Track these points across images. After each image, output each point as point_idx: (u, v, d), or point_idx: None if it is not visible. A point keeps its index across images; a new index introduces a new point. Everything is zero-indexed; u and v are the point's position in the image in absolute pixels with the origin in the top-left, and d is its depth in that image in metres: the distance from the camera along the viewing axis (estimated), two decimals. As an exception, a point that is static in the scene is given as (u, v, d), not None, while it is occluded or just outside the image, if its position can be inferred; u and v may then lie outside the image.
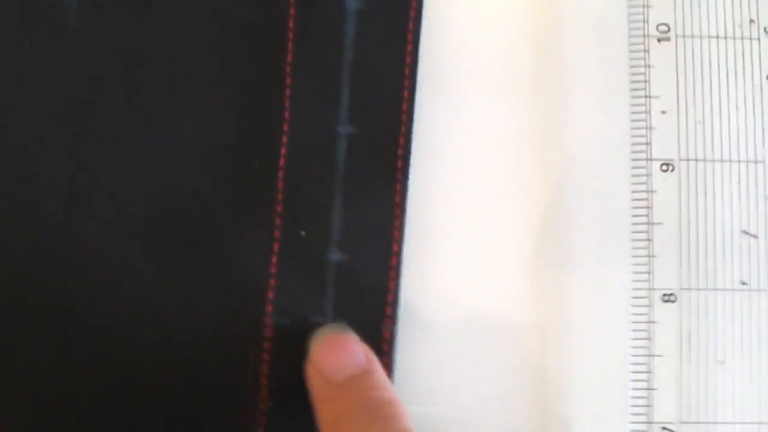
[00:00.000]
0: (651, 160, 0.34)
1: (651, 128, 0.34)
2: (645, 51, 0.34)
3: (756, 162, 0.34)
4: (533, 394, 0.33)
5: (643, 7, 0.34)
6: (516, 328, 0.33)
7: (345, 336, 0.31)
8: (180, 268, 0.32)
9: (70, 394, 0.32)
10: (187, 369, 0.32)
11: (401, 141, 0.33)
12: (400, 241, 0.33)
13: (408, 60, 0.33)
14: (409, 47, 0.33)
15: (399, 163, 0.33)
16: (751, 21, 0.34)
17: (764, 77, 0.34)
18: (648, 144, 0.34)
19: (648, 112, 0.34)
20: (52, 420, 0.32)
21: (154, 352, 0.32)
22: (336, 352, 0.30)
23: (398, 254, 0.33)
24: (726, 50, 0.34)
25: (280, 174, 0.33)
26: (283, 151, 0.33)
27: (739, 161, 0.34)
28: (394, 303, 0.33)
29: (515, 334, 0.33)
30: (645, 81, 0.34)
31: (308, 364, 0.31)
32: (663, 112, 0.34)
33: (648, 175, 0.34)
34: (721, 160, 0.34)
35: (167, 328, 0.32)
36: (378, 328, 0.33)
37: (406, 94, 0.33)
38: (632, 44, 0.34)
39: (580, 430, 0.33)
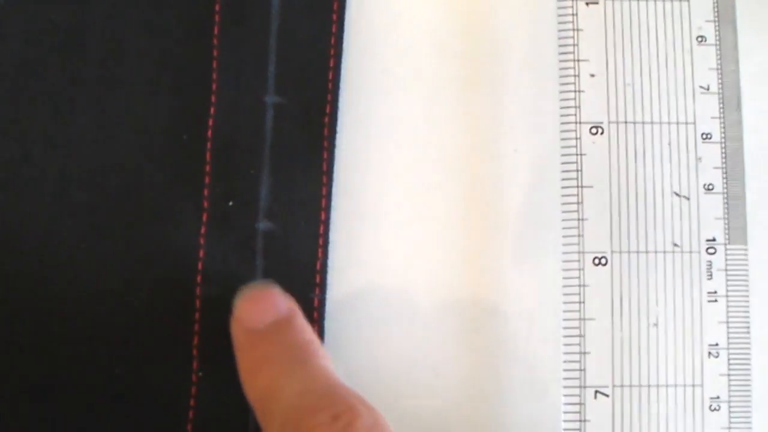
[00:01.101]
0: (580, 123, 0.34)
1: (580, 91, 0.34)
2: (573, 15, 0.34)
3: (687, 123, 0.34)
4: (466, 361, 0.33)
5: (572, -30, 0.34)
6: (447, 294, 0.33)
7: (267, 289, 0.31)
8: (111, 240, 0.33)
9: (6, 365, 0.32)
10: (120, 339, 0.32)
11: (328, 110, 0.33)
12: (327, 209, 0.33)
13: (334, 29, 0.33)
14: (335, 16, 0.33)
15: (326, 131, 0.33)
16: (681, -18, 0.34)
17: (694, 38, 0.34)
18: (577, 107, 0.34)
19: (577, 75, 0.34)
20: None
21: (88, 323, 0.32)
22: (257, 304, 0.31)
23: (326, 222, 0.33)
24: (655, 12, 0.34)
25: (208, 145, 0.33)
26: (210, 122, 0.33)
27: (669, 123, 0.34)
28: (323, 271, 0.33)
29: (446, 300, 0.33)
30: (574, 45, 0.34)
31: (232, 319, 0.31)
32: (592, 75, 0.34)
33: (577, 138, 0.34)
34: (651, 122, 0.34)
35: (100, 299, 0.32)
36: (308, 296, 0.33)
37: (332, 62, 0.33)
38: (560, 8, 0.34)
39: (515, 396, 0.33)
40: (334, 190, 0.33)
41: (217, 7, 0.33)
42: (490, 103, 0.34)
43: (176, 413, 0.32)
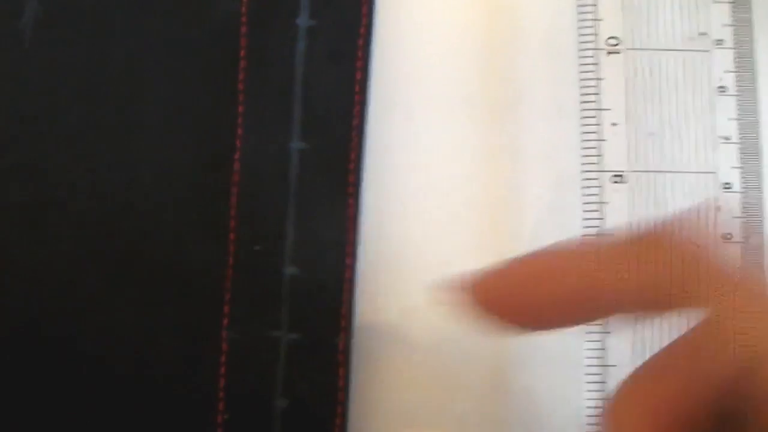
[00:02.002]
0: (602, 171, 0.34)
1: (602, 140, 0.34)
2: (595, 64, 0.35)
3: (707, 173, 0.34)
4: (489, 391, 0.34)
5: (593, 20, 0.35)
6: (470, 339, 0.34)
7: None
8: (136, 284, 0.33)
9: (28, 413, 0.32)
10: (144, 383, 0.32)
11: (353, 156, 0.33)
12: (353, 254, 0.33)
13: (358, 76, 0.34)
14: (359, 63, 0.34)
15: (351, 178, 0.33)
16: (701, 33, 0.35)
17: (715, 89, 0.34)
18: (599, 156, 0.34)
19: (599, 124, 0.34)
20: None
21: (113, 367, 0.32)
22: None
23: (352, 267, 0.33)
24: (676, 62, 0.35)
25: (234, 190, 0.33)
26: (236, 167, 0.33)
27: (690, 172, 0.34)
28: (349, 315, 0.33)
29: (468, 346, 0.34)
30: (596, 94, 0.34)
31: None
32: (614, 124, 0.34)
33: (599, 186, 0.34)
34: (673, 171, 0.34)
35: (125, 343, 0.33)
36: (333, 340, 0.33)
37: (357, 109, 0.34)
38: (582, 57, 0.35)
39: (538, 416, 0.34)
40: (360, 235, 0.33)
41: (242, 53, 0.34)
42: (512, 152, 0.34)
43: (201, 457, 0.32)
